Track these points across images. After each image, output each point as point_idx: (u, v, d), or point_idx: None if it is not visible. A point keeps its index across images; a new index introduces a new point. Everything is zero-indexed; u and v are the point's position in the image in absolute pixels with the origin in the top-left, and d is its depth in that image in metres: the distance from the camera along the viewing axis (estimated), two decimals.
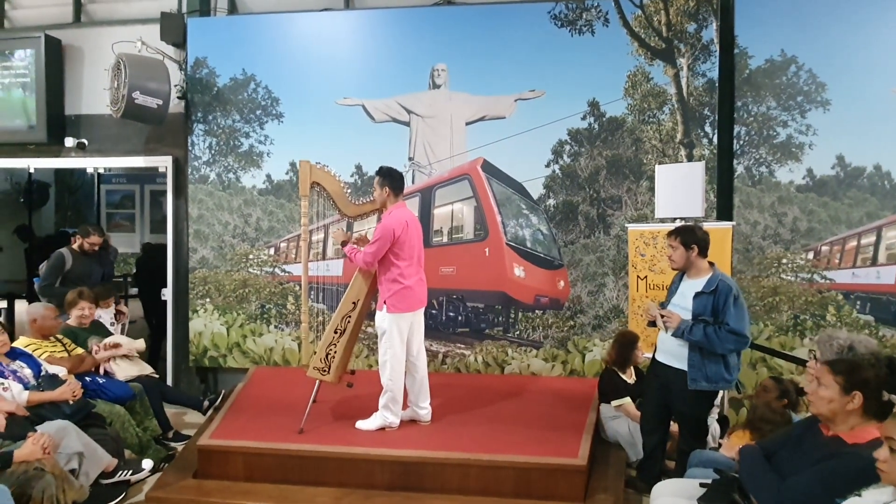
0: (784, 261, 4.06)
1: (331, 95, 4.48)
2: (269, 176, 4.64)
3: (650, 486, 2.49)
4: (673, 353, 2.88)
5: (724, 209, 4.10)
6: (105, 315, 4.12)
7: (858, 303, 3.95)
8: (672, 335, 2.84)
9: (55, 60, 4.74)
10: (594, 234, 4.28)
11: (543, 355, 4.33)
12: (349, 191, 3.42)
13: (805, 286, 4.02)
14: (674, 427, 3.07)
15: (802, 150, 4.03)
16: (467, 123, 4.38)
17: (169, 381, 4.69)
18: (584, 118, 4.26)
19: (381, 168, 3.31)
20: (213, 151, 4.65)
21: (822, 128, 3.99)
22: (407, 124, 4.45)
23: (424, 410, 3.39)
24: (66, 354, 3.46)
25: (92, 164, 5.09)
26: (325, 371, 3.32)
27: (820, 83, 3.98)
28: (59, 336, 3.57)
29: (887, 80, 3.85)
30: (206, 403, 3.90)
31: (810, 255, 4.04)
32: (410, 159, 4.45)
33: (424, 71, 4.40)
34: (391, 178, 3.27)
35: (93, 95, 4.72)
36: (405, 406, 3.38)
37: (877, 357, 2.20)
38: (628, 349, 3.55)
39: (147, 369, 3.82)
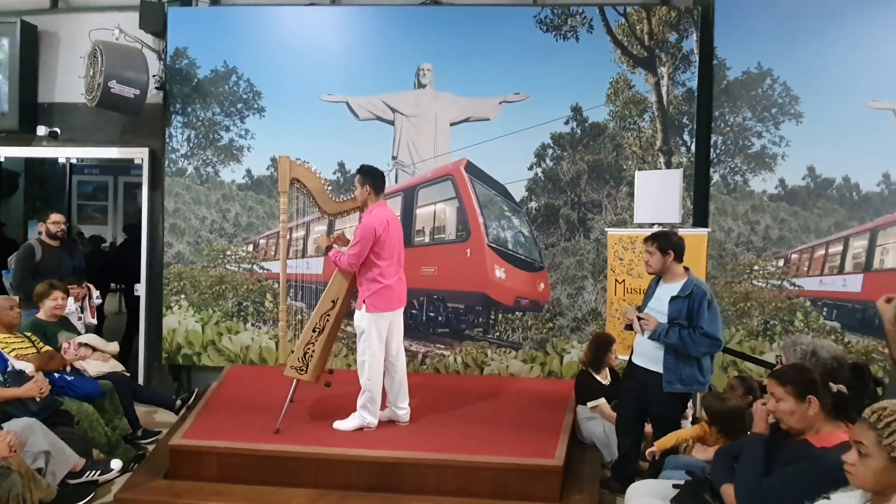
0: (756, 267, 4.18)
1: (314, 91, 4.44)
2: (248, 171, 4.56)
3: (625, 487, 2.53)
4: (649, 356, 2.94)
5: (699, 216, 4.20)
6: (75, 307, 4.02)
7: (825, 309, 4.08)
8: (648, 338, 2.89)
9: (30, 47, 4.58)
10: (574, 237, 4.33)
11: (522, 357, 4.36)
12: (330, 188, 3.39)
13: (775, 292, 4.14)
14: (648, 428, 3.13)
15: (775, 160, 4.15)
16: (452, 124, 4.38)
17: (141, 379, 4.58)
18: (566, 123, 4.31)
19: (362, 167, 3.30)
20: (191, 144, 4.56)
21: (794, 139, 4.11)
22: (391, 123, 4.44)
23: (403, 411, 3.39)
24: (34, 351, 3.35)
25: (64, 153, 4.94)
26: (302, 370, 3.29)
27: (793, 96, 4.10)
28: (28, 333, 3.45)
29: (858, 95, 3.99)
30: (178, 402, 3.83)
31: (781, 263, 4.16)
32: (394, 158, 4.44)
33: (410, 70, 4.39)
34: (372, 177, 3.25)
35: (67, 83, 4.57)
36: (384, 406, 3.37)
37: (840, 361, 2.26)
38: (603, 350, 3.60)
39: (118, 367, 3.73)
